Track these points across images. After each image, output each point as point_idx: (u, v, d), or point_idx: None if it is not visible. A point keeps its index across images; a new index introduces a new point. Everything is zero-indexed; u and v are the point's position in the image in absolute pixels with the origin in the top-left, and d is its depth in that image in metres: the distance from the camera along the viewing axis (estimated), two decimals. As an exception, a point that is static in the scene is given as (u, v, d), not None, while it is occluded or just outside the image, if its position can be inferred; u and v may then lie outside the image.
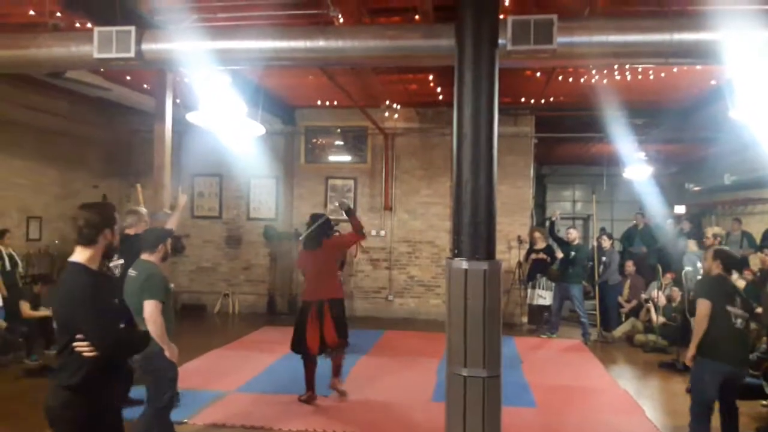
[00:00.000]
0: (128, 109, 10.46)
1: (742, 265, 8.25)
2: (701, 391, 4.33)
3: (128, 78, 8.60)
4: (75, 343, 2.74)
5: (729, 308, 4.32)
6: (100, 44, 5.01)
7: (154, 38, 5.21)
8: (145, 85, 8.84)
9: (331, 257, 5.98)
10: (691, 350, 4.41)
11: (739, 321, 4.35)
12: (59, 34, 5.61)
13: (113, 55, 5.03)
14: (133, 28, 5.04)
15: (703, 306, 4.35)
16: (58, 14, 6.03)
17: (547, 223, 11.45)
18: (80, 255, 2.85)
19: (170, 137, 7.03)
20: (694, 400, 4.42)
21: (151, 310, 3.91)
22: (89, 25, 5.66)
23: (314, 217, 5.95)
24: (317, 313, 5.63)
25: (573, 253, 9.34)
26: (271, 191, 11.57)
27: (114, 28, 5.05)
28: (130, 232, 5.34)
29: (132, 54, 5.03)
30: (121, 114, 10.76)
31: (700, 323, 4.37)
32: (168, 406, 4.29)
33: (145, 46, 5.15)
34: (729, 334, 4.29)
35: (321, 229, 5.85)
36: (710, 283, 4.53)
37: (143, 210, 5.72)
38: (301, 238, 6.19)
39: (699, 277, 5.21)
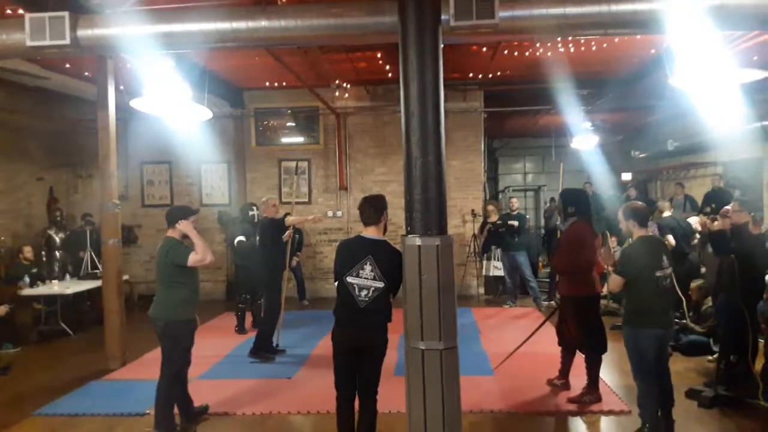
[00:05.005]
0: (70, 98, 10.12)
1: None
2: (640, 357, 4.34)
3: (67, 66, 8.30)
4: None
5: (658, 274, 4.27)
6: (33, 32, 4.81)
7: (91, 24, 5.02)
8: (86, 73, 8.55)
9: None
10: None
11: (667, 281, 4.34)
12: (-12, 22, 5.36)
13: (47, 42, 4.83)
14: (66, 14, 4.85)
15: (616, 283, 4.38)
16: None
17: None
18: (376, 232, 4.11)
19: (114, 125, 6.86)
20: (635, 368, 4.42)
21: (192, 257, 4.63)
22: (21, 11, 5.43)
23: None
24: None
25: (516, 222, 9.65)
26: (223, 176, 11.44)
27: (47, 14, 4.85)
28: (268, 214, 7.09)
29: (67, 41, 4.84)
30: (62, 103, 10.37)
31: (614, 285, 4.45)
32: (177, 375, 4.72)
33: (81, 32, 4.96)
34: (657, 299, 4.29)
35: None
36: (637, 255, 4.38)
37: (273, 197, 7.59)
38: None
39: (628, 243, 4.93)
